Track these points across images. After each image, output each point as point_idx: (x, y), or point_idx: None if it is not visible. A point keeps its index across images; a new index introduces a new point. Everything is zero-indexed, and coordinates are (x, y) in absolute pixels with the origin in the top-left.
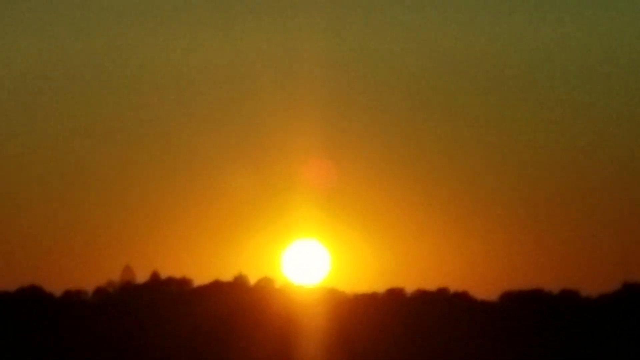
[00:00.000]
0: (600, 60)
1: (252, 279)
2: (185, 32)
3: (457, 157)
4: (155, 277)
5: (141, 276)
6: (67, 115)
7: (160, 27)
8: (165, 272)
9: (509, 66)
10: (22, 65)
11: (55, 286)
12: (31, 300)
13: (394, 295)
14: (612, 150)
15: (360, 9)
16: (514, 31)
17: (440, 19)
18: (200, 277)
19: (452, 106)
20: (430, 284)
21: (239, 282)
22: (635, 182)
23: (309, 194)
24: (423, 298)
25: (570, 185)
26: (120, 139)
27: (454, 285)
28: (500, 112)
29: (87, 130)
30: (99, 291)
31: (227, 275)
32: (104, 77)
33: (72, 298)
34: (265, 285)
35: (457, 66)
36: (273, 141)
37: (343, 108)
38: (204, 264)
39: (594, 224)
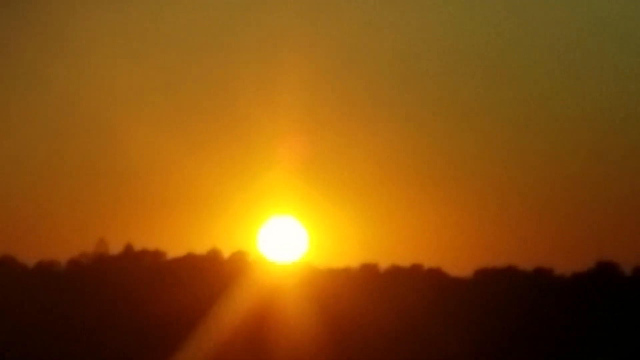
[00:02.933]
0: None
1: (226, 253)
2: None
3: (432, 133)
4: (128, 249)
5: (115, 248)
6: (42, 89)
7: None
8: (139, 245)
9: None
10: None
11: (29, 257)
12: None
13: (368, 271)
14: (589, 129)
15: None
16: None
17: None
18: (174, 250)
19: (426, 79)
20: (404, 261)
21: (212, 256)
22: (610, 162)
23: (284, 170)
24: (397, 274)
25: (545, 164)
26: (93, 108)
27: (428, 261)
28: (474, 87)
29: (61, 98)
30: (72, 262)
31: (201, 250)
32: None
33: (45, 269)
34: (239, 258)
35: (438, 42)
36: (250, 116)
37: (319, 84)
38: (178, 241)
39: (568, 202)
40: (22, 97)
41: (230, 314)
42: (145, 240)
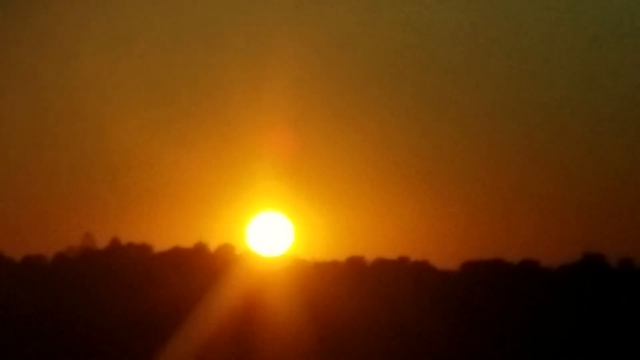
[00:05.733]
0: None
1: (213, 247)
2: None
3: (419, 127)
4: (115, 243)
5: (101, 242)
6: (29, 84)
7: None
8: (125, 239)
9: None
10: None
11: (15, 252)
12: None
13: (354, 264)
14: (576, 121)
15: None
16: None
17: None
18: (161, 244)
19: (414, 74)
20: (391, 253)
21: (199, 249)
22: (596, 155)
23: (271, 165)
24: (383, 267)
25: (531, 157)
26: (78, 102)
27: (415, 254)
28: (461, 79)
29: (47, 92)
30: (59, 256)
31: (187, 243)
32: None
33: (32, 263)
34: (226, 251)
35: (426, 39)
36: (237, 110)
37: (306, 80)
38: (165, 234)
39: (554, 194)
40: (8, 92)
41: (218, 307)
42: (131, 234)
